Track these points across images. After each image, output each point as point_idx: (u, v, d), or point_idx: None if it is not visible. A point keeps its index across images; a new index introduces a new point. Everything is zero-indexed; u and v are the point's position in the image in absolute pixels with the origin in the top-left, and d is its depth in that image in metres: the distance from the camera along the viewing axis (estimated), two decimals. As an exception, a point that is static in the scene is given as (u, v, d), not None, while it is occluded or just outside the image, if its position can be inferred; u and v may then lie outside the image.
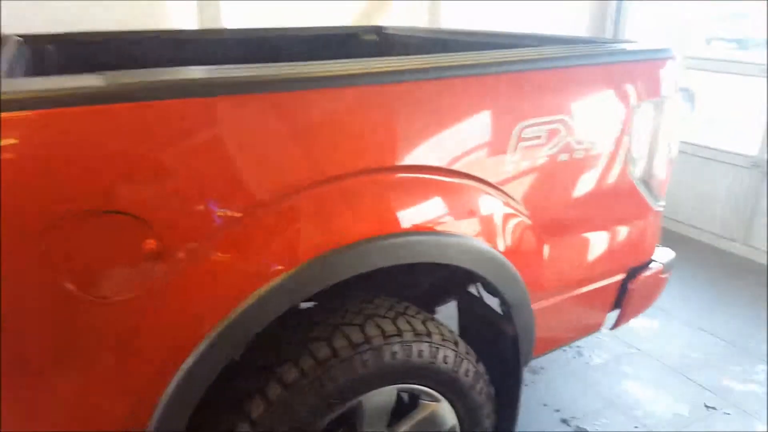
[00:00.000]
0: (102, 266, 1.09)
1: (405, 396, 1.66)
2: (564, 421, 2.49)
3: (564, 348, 3.07)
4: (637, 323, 3.31)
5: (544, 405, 2.60)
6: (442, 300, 2.07)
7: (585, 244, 1.83)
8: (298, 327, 1.49)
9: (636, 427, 2.46)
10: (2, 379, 1.05)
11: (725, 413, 2.57)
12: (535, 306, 1.71)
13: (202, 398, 1.26)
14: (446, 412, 1.63)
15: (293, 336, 1.46)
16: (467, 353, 1.62)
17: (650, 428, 2.45)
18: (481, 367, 1.67)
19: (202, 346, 1.18)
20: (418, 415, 1.61)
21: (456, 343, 1.60)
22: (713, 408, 2.61)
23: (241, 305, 1.20)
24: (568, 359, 2.97)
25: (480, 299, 1.78)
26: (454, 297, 1.99)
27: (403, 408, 1.72)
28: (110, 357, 1.14)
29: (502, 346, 1.74)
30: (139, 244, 1.09)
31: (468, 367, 1.61)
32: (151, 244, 1.09)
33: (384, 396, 1.50)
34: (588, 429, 2.44)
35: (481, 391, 1.66)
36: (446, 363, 1.56)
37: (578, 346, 3.08)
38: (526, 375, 2.82)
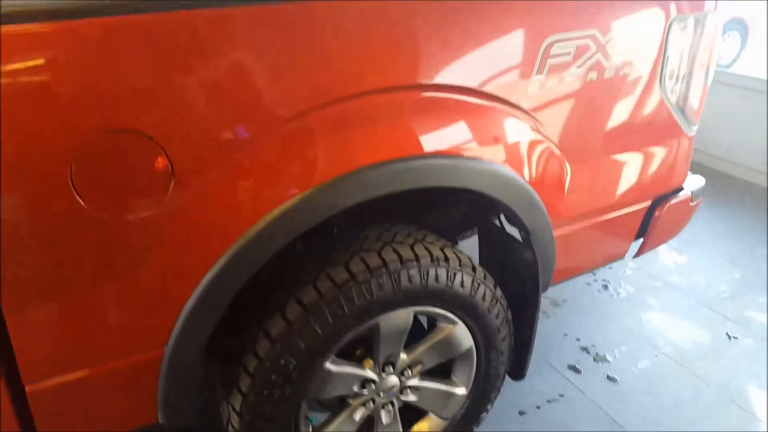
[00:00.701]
0: (117, 186, 1.10)
1: (423, 320, 1.70)
2: (584, 349, 2.51)
3: (588, 282, 3.05)
4: (665, 256, 3.27)
5: (565, 335, 2.62)
6: (464, 232, 2.05)
7: (612, 169, 1.77)
8: (319, 253, 1.50)
9: (656, 355, 2.46)
10: (24, 299, 1.09)
11: (746, 343, 2.56)
12: (556, 233, 1.68)
13: (222, 320, 1.29)
14: (463, 335, 1.65)
15: (313, 261, 1.48)
16: (485, 278, 1.62)
17: (670, 356, 2.45)
18: (499, 293, 1.67)
19: (217, 266, 1.20)
20: (435, 338, 1.64)
21: (473, 269, 1.59)
22: (735, 337, 2.59)
23: (255, 226, 1.20)
24: (593, 292, 2.96)
25: (501, 228, 1.76)
26: (475, 228, 1.98)
27: (420, 331, 1.76)
28: (129, 275, 1.16)
29: (521, 273, 1.73)
30: (151, 164, 1.09)
31: (485, 292, 1.61)
32: (162, 163, 1.08)
33: (401, 318, 1.52)
34: (607, 356, 2.46)
35: (498, 315, 1.67)
36: (463, 287, 1.56)
37: (604, 280, 3.06)
38: (549, 306, 2.84)
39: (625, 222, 1.90)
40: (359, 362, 1.58)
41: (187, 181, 1.13)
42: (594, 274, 3.13)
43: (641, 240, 2.00)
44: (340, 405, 1.62)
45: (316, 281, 1.41)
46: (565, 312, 2.79)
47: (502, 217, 1.76)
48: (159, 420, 1.33)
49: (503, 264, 1.78)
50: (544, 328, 2.67)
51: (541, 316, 2.78)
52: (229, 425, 1.47)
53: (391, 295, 1.45)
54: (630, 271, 3.13)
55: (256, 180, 1.21)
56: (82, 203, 1.06)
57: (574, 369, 2.38)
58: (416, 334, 1.69)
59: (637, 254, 2.07)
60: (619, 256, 1.99)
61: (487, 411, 1.85)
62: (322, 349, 1.42)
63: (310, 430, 1.58)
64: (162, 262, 1.17)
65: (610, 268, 3.18)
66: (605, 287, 3.00)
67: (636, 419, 2.12)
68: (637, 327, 2.66)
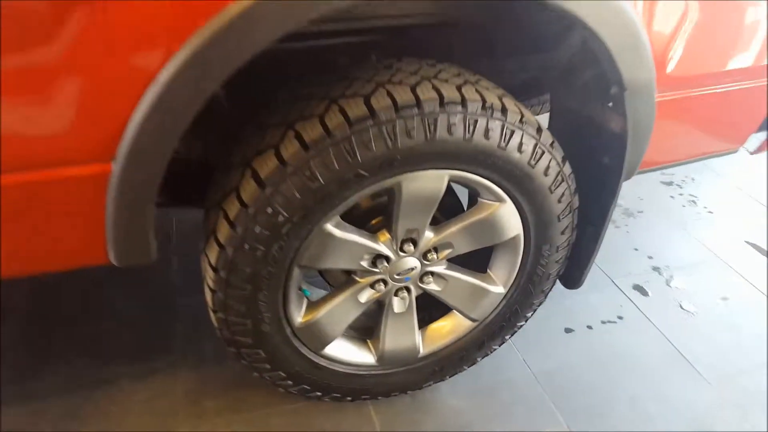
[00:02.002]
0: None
1: (461, 193, 1.33)
2: (656, 269, 2.10)
3: (672, 194, 2.58)
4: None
5: (635, 249, 2.20)
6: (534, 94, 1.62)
7: (749, 20, 1.28)
8: (333, 81, 1.14)
9: (741, 287, 2.03)
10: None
11: None
12: (658, 97, 1.24)
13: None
14: (510, 218, 1.28)
15: (324, 89, 1.12)
16: (551, 146, 1.22)
17: (759, 289, 2.01)
18: (568, 169, 1.27)
19: (169, 69, 0.86)
20: (474, 216, 1.28)
21: (539, 131, 1.19)
22: None
23: (214, 21, 0.84)
24: (676, 207, 2.50)
25: (584, 81, 1.32)
26: (547, 90, 1.55)
27: (455, 208, 1.40)
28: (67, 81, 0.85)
29: (601, 148, 1.32)
30: None
31: (549, 164, 1.22)
32: None
33: (431, 182, 1.15)
34: (683, 281, 2.04)
35: (562, 198, 1.28)
36: (521, 152, 1.17)
37: (692, 195, 2.57)
38: (620, 216, 2.40)
39: (747, 100, 1.41)
40: (373, 234, 1.25)
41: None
42: (681, 186, 2.65)
43: (765, 133, 1.52)
44: (346, 283, 1.33)
45: (324, 115, 1.06)
46: (639, 225, 2.36)
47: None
48: (110, 259, 1.07)
49: (578, 134, 1.37)
50: (610, 238, 2.26)
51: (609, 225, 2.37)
52: (204, 280, 1.20)
53: (422, 146, 1.08)
54: (727, 188, 2.62)
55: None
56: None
57: (640, 290, 2.00)
58: (448, 210, 1.34)
59: (756, 151, 1.60)
60: (731, 148, 1.51)
61: (526, 319, 1.51)
62: (322, 203, 1.09)
63: (304, 305, 1.30)
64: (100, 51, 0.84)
65: (692, 178, 2.67)
66: (693, 203, 2.52)
67: (708, 356, 1.74)
68: (724, 253, 2.21)
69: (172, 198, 1.30)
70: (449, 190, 1.37)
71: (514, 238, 1.32)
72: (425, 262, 1.31)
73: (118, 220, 0.99)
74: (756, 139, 1.56)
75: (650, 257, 2.17)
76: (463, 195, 1.38)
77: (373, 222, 1.30)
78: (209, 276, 1.16)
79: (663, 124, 1.32)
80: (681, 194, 2.59)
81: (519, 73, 1.51)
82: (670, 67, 1.23)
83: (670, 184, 2.68)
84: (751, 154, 1.66)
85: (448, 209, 1.35)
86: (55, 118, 0.87)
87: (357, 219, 1.29)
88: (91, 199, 0.96)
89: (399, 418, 1.49)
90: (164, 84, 0.87)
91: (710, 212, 2.47)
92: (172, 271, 1.93)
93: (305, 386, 1.39)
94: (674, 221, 2.39)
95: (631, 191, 2.57)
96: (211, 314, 1.22)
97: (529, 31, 1.34)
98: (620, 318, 1.87)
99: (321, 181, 1.05)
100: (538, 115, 1.94)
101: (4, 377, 1.52)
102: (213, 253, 1.13)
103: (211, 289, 1.17)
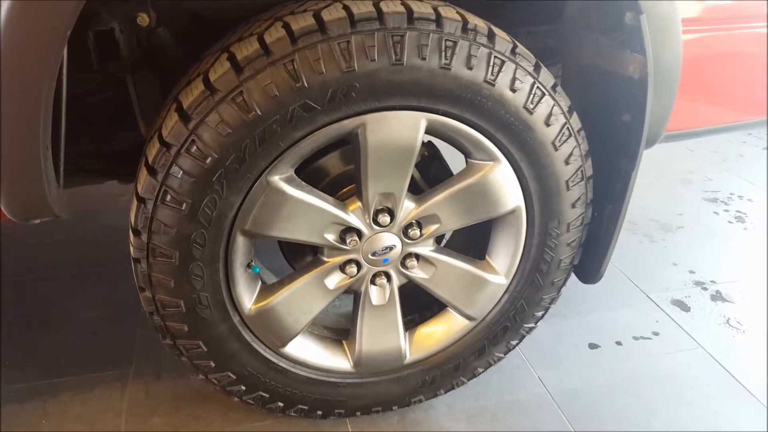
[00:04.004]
0: None
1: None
2: (699, 283, 1.79)
3: (717, 210, 2.28)
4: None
5: (675, 264, 1.90)
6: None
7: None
8: (288, 3, 0.96)
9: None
10: None
11: None
12: (687, 36, 1.01)
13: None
14: (506, 183, 1.04)
15: (273, 12, 0.93)
16: (554, 90, 0.99)
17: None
18: (576, 122, 1.04)
19: None
20: (461, 181, 1.05)
21: (537, 67, 0.97)
22: None
23: None
24: (721, 223, 2.19)
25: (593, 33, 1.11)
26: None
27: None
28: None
29: (619, 104, 1.09)
30: None
31: (552, 110, 0.99)
32: None
33: (403, 126, 0.94)
34: (731, 296, 1.73)
35: (570, 159, 1.04)
36: (514, 90, 0.94)
37: (739, 211, 2.27)
38: (656, 230, 2.12)
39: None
40: (341, 201, 1.03)
41: None
42: (726, 203, 2.34)
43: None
44: (311, 263, 1.10)
45: (263, 33, 0.87)
46: (678, 240, 2.06)
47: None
48: (3, 210, 0.88)
49: (593, 96, 1.14)
50: (644, 252, 1.97)
51: (643, 239, 2.09)
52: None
53: (385, 71, 0.87)
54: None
55: None
56: None
57: (680, 305, 1.69)
58: (435, 178, 1.12)
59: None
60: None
61: (536, 321, 1.24)
62: (264, 145, 0.88)
63: (258, 287, 1.07)
64: None
65: (738, 195, 2.37)
66: (739, 219, 2.21)
67: (763, 377, 1.41)
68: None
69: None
70: (435, 153, 1.16)
71: (514, 212, 1.08)
72: (406, 240, 1.07)
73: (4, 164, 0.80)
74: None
75: (692, 272, 1.86)
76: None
77: (345, 190, 1.08)
78: (131, 240, 0.95)
79: (692, 75, 1.08)
80: (726, 210, 2.29)
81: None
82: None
83: (714, 200, 2.39)
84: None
85: (434, 177, 1.12)
86: None
87: (327, 185, 1.08)
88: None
89: (381, 442, 1.22)
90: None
91: (756, 228, 2.16)
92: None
93: (262, 394, 1.14)
94: (718, 237, 2.09)
95: (668, 207, 2.29)
96: (140, 294, 1.01)
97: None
98: (656, 334, 1.56)
99: (258, 111, 0.85)
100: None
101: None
102: (133, 210, 0.92)
103: (133, 258, 0.96)
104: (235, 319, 1.04)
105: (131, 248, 0.95)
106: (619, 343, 1.52)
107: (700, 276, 1.84)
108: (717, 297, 1.74)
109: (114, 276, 1.72)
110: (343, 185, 1.09)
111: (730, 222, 2.22)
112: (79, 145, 1.14)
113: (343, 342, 1.19)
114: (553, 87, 0.99)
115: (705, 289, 1.77)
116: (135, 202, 0.92)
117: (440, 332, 1.21)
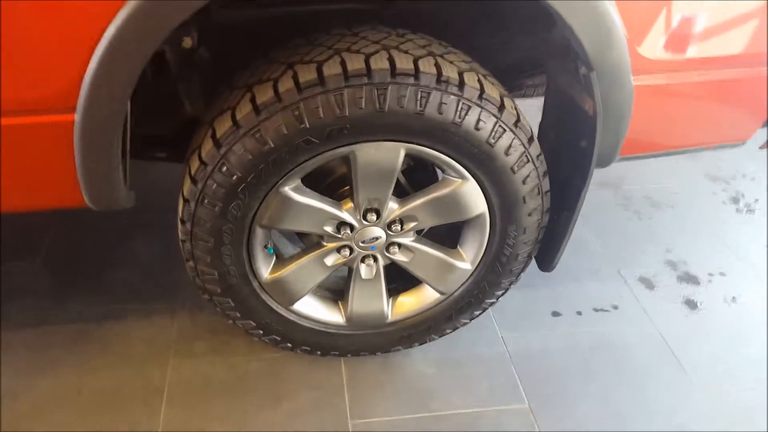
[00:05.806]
0: None
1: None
2: (670, 263, 2.00)
3: (715, 191, 2.41)
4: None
5: (653, 242, 2.11)
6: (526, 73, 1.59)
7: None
8: (293, 47, 1.19)
9: (765, 297, 1.91)
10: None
11: None
12: (638, 80, 1.19)
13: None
14: (473, 196, 1.29)
15: (288, 53, 1.17)
16: (515, 125, 1.21)
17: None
18: (535, 150, 1.26)
19: (118, 20, 0.94)
20: (435, 191, 1.30)
21: (500, 108, 1.19)
22: None
23: None
24: (715, 203, 2.34)
25: (562, 58, 1.29)
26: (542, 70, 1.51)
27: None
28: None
29: (578, 131, 1.29)
30: None
31: (511, 144, 1.21)
32: None
33: (386, 154, 1.19)
34: (699, 277, 1.94)
35: (527, 179, 1.27)
36: (479, 129, 1.17)
37: (738, 191, 2.40)
38: (646, 207, 2.30)
39: (746, 90, 1.32)
40: (338, 201, 1.31)
41: None
42: (728, 182, 2.47)
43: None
44: (314, 245, 1.39)
45: (279, 79, 1.12)
46: (666, 219, 2.25)
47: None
48: (86, 202, 1.19)
49: (564, 117, 1.34)
50: (628, 228, 2.18)
51: (632, 216, 2.28)
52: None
53: (371, 117, 1.11)
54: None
55: None
56: None
57: (646, 282, 1.92)
58: (422, 185, 1.37)
59: (763, 146, 1.49)
60: (734, 139, 1.42)
61: (496, 298, 1.52)
62: (276, 167, 1.15)
63: (272, 262, 1.38)
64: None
65: (742, 174, 2.49)
66: (735, 200, 2.35)
67: (703, 363, 1.64)
68: (750, 255, 2.06)
69: (181, 155, 1.41)
70: (424, 164, 1.40)
71: (480, 217, 1.34)
72: (390, 232, 1.35)
73: (83, 167, 1.10)
74: (763, 133, 1.45)
75: (668, 250, 2.07)
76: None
77: (343, 190, 1.35)
78: (179, 227, 1.26)
79: (648, 109, 1.27)
80: (725, 190, 2.42)
81: (512, 53, 1.49)
82: (650, 50, 1.18)
83: (715, 179, 2.51)
84: (761, 148, 1.54)
85: (421, 184, 1.37)
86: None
87: (328, 186, 1.35)
88: (59, 143, 1.08)
89: (366, 376, 1.56)
90: (109, 39, 0.96)
91: (750, 211, 2.31)
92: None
93: (275, 336, 1.49)
94: (710, 218, 2.25)
95: (667, 183, 2.44)
96: (186, 263, 1.33)
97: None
98: (615, 308, 1.82)
99: (271, 144, 1.12)
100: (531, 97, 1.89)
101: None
102: (180, 206, 1.23)
103: (181, 239, 1.28)
104: (255, 285, 1.36)
105: (179, 232, 1.27)
106: (580, 313, 1.79)
107: (674, 255, 2.05)
108: (684, 278, 1.95)
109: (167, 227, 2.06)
110: (343, 185, 1.36)
111: (724, 203, 2.36)
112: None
113: (339, 302, 1.51)
114: (515, 123, 1.21)
115: (674, 269, 1.99)
116: (181, 201, 1.22)
117: (416, 301, 1.51)
